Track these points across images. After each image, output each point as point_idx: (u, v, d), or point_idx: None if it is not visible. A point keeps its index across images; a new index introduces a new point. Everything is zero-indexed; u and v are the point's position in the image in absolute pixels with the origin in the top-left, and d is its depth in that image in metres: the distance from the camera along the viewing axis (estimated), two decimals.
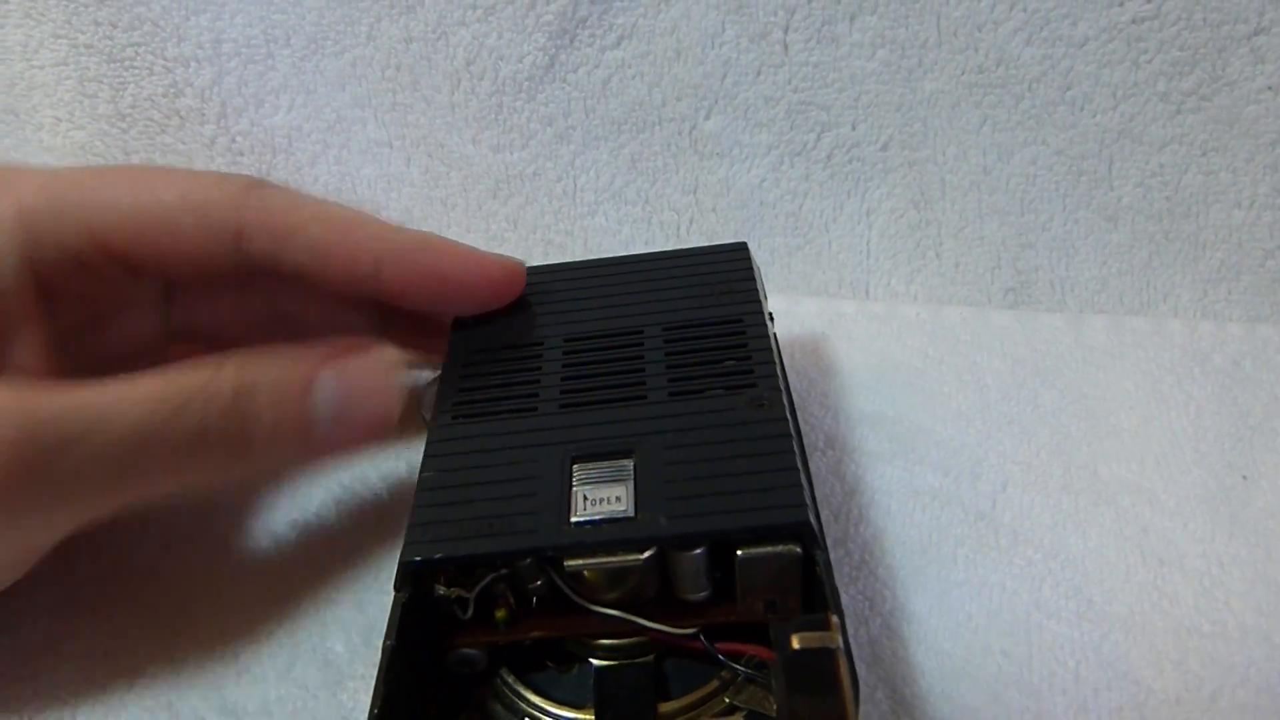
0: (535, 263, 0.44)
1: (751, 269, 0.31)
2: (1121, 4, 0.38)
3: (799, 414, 0.34)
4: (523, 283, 0.30)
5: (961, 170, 0.40)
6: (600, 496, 0.23)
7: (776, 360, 0.27)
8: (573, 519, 0.22)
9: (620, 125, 0.42)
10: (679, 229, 0.43)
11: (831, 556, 0.29)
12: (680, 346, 0.28)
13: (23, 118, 0.45)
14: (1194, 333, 0.37)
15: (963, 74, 0.40)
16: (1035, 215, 0.40)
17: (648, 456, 0.24)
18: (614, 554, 0.22)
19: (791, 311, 0.40)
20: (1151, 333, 0.37)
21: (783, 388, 0.26)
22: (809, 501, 0.22)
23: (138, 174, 0.29)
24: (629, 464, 0.23)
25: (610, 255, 0.34)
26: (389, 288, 0.28)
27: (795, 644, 0.20)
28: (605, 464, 0.24)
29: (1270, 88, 0.38)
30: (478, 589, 0.22)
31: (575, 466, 0.24)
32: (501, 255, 0.31)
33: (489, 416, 0.26)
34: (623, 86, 0.42)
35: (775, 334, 0.30)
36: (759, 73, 0.41)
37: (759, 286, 0.31)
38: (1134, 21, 0.38)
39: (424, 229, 0.43)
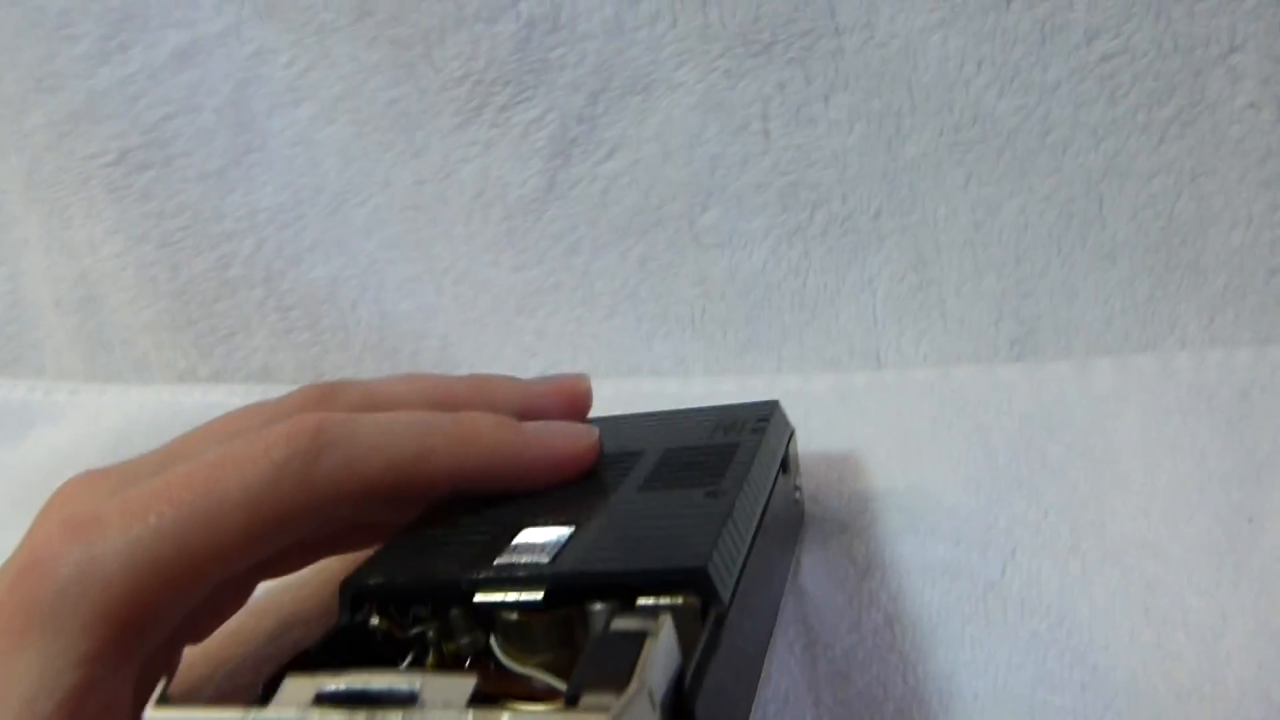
0: (567, 365, 0.47)
1: (770, 421, 0.32)
2: (1089, 43, 0.38)
3: (812, 502, 0.36)
4: (594, 459, 0.30)
5: (954, 229, 0.41)
6: (528, 546, 0.24)
7: (767, 477, 0.29)
8: (495, 562, 0.24)
9: (624, 231, 0.45)
10: (693, 320, 0.45)
11: (846, 643, 0.31)
12: (670, 459, 0.30)
13: (99, 303, 0.50)
14: (1201, 364, 0.36)
15: (941, 135, 0.40)
16: (1031, 263, 0.40)
17: (590, 525, 0.25)
18: (513, 590, 0.23)
19: (806, 390, 0.41)
20: (1158, 370, 0.37)
21: (759, 495, 0.27)
22: (720, 556, 0.22)
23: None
24: (569, 529, 0.25)
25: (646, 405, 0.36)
26: (465, 492, 0.29)
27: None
28: (548, 529, 0.25)
29: (1252, 105, 0.37)
30: (411, 631, 0.24)
31: (523, 530, 0.25)
32: (576, 435, 0.30)
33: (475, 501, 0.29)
34: (620, 194, 0.44)
35: (800, 498, 0.32)
36: (745, 162, 0.43)
37: (778, 440, 0.32)
38: (1104, 59, 0.38)
39: (463, 351, 0.46)
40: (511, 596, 0.23)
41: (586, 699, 0.17)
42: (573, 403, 0.32)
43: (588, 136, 0.44)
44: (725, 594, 0.22)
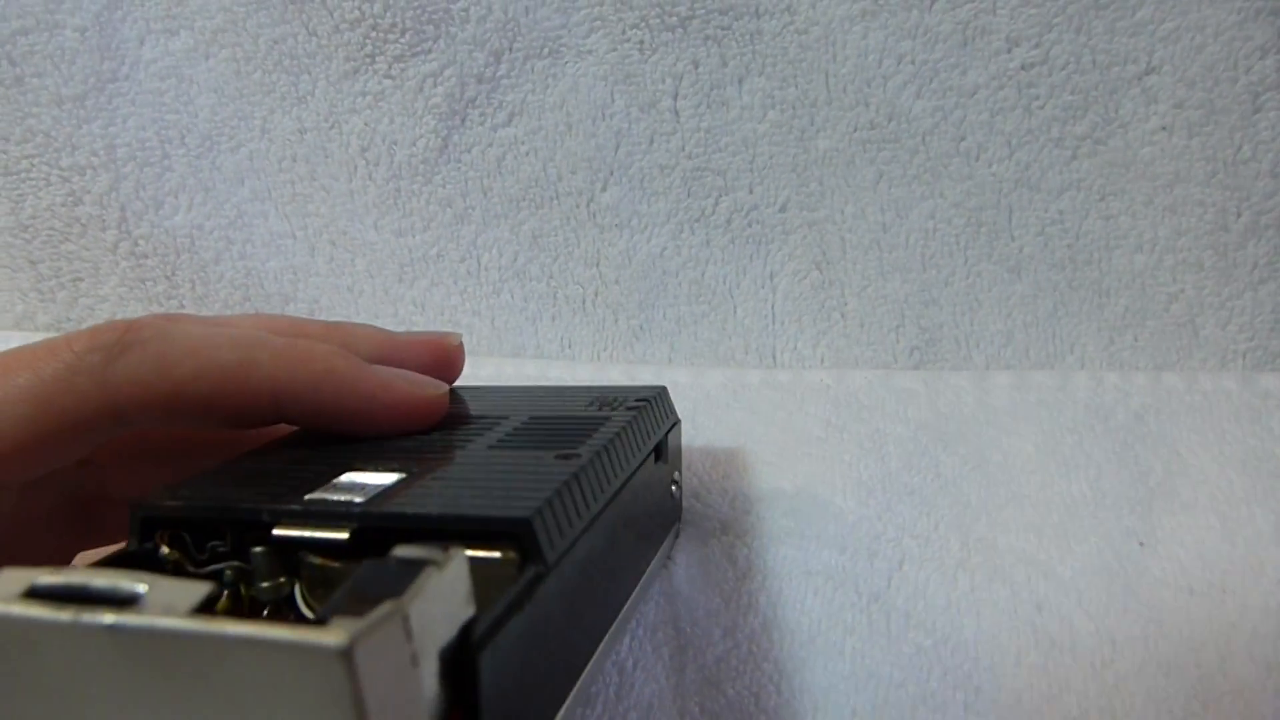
0: None
1: (649, 404, 0.29)
2: (1010, 50, 0.38)
3: (693, 498, 0.33)
4: (441, 412, 0.27)
5: (860, 228, 0.39)
6: (348, 485, 0.22)
7: (632, 455, 0.26)
8: (305, 497, 0.21)
9: (519, 202, 0.42)
10: (584, 303, 0.42)
11: (719, 649, 0.29)
12: (533, 425, 0.27)
13: None
14: (1099, 386, 0.36)
15: (855, 130, 0.39)
16: (937, 270, 0.39)
17: (422, 474, 0.22)
18: (318, 526, 0.20)
19: (697, 384, 0.39)
20: (1056, 389, 0.36)
21: (617, 469, 0.25)
22: (551, 514, 0.20)
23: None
24: (397, 476, 0.22)
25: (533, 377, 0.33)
26: (294, 420, 0.26)
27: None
28: (375, 473, 0.22)
29: (1164, 128, 0.37)
30: (207, 568, 0.21)
31: (350, 471, 0.22)
32: (422, 384, 0.27)
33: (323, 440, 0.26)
34: (517, 164, 0.41)
35: (678, 493, 0.30)
36: (652, 141, 0.40)
37: (655, 424, 0.29)
38: (1023, 68, 0.38)
39: (334, 318, 0.43)
40: (316, 534, 0.20)
41: (334, 620, 0.13)
42: (438, 359, 0.29)
43: (487, 98, 0.41)
44: (550, 554, 0.19)
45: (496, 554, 0.19)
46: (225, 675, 0.14)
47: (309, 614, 0.20)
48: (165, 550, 0.21)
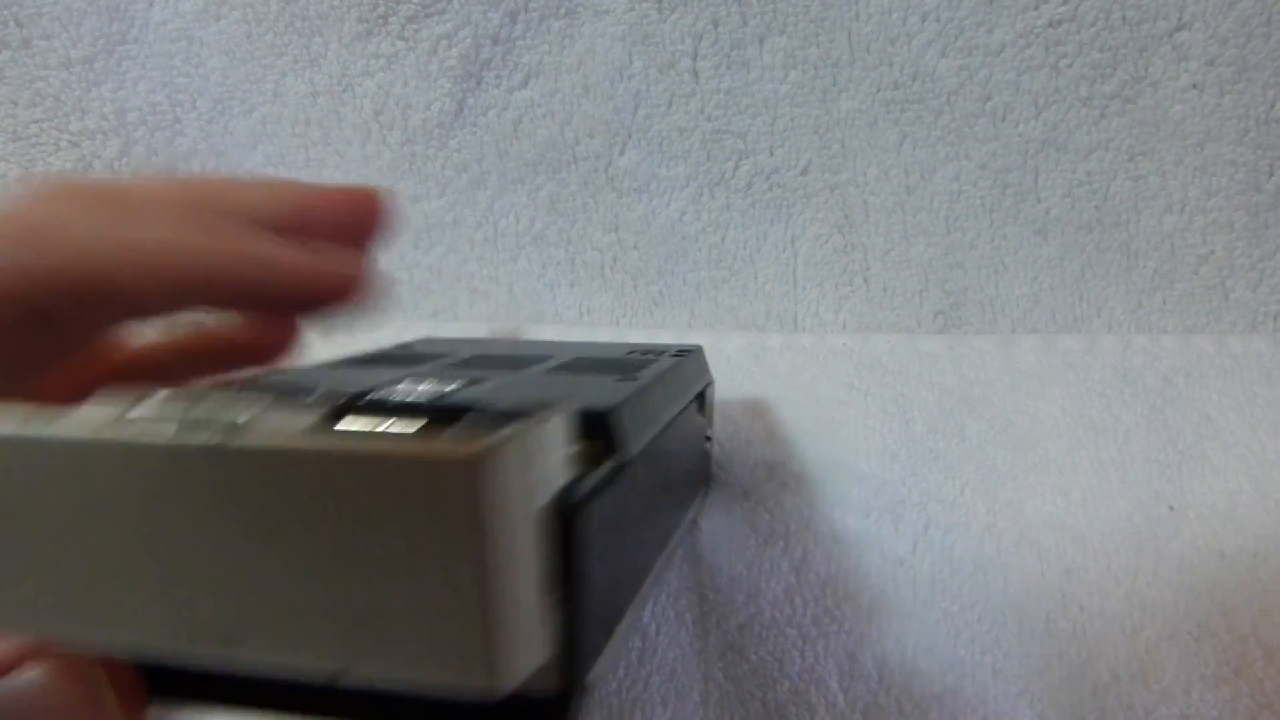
0: (464, 309, 0.44)
1: (690, 355, 0.29)
2: (1037, 7, 0.37)
3: (715, 464, 0.33)
4: (350, 295, 0.22)
5: (884, 191, 0.39)
6: (407, 391, 0.20)
7: (682, 393, 0.26)
8: (366, 395, 0.19)
9: (535, 167, 0.41)
10: (603, 269, 0.42)
11: (742, 615, 0.28)
12: (581, 362, 0.27)
13: None
14: (1127, 349, 0.35)
15: (878, 91, 0.38)
16: (962, 233, 0.38)
17: (484, 384, 0.22)
18: (385, 416, 0.18)
19: (717, 348, 0.39)
20: (1083, 352, 0.35)
21: (672, 399, 0.25)
22: (629, 413, 0.20)
23: None
24: (457, 383, 0.21)
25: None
26: (226, 307, 0.22)
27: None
28: (434, 383, 0.21)
29: (1195, 86, 0.36)
30: None
31: (406, 382, 0.21)
32: (338, 260, 0.22)
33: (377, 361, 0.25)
34: (534, 127, 0.41)
35: (711, 449, 0.30)
36: (670, 103, 0.40)
37: (696, 374, 0.29)
38: (1051, 24, 0.37)
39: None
40: (383, 426, 0.18)
41: (454, 431, 0.13)
42: (356, 217, 0.23)
43: (503, 59, 0.40)
44: (632, 447, 0.19)
45: (576, 446, 0.18)
46: (340, 496, 0.13)
47: None
48: None
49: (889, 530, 0.30)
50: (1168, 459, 0.31)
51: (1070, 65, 0.37)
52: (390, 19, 0.40)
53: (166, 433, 0.14)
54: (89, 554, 0.15)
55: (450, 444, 0.13)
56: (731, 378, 0.37)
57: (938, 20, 0.37)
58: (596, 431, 0.19)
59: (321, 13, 0.41)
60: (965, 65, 0.37)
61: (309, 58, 0.41)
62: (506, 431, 0.13)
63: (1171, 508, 0.29)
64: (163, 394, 0.16)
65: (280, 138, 0.43)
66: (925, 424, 0.34)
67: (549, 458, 0.15)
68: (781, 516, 0.31)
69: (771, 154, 0.39)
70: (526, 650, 0.14)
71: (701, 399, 0.29)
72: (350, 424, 0.17)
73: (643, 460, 0.21)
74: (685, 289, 0.41)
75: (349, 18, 0.41)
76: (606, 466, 0.18)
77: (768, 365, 0.37)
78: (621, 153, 0.40)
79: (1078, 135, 0.37)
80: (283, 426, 0.14)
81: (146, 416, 0.15)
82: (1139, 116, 0.36)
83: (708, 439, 0.31)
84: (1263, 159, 0.35)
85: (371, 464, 0.13)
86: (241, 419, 0.14)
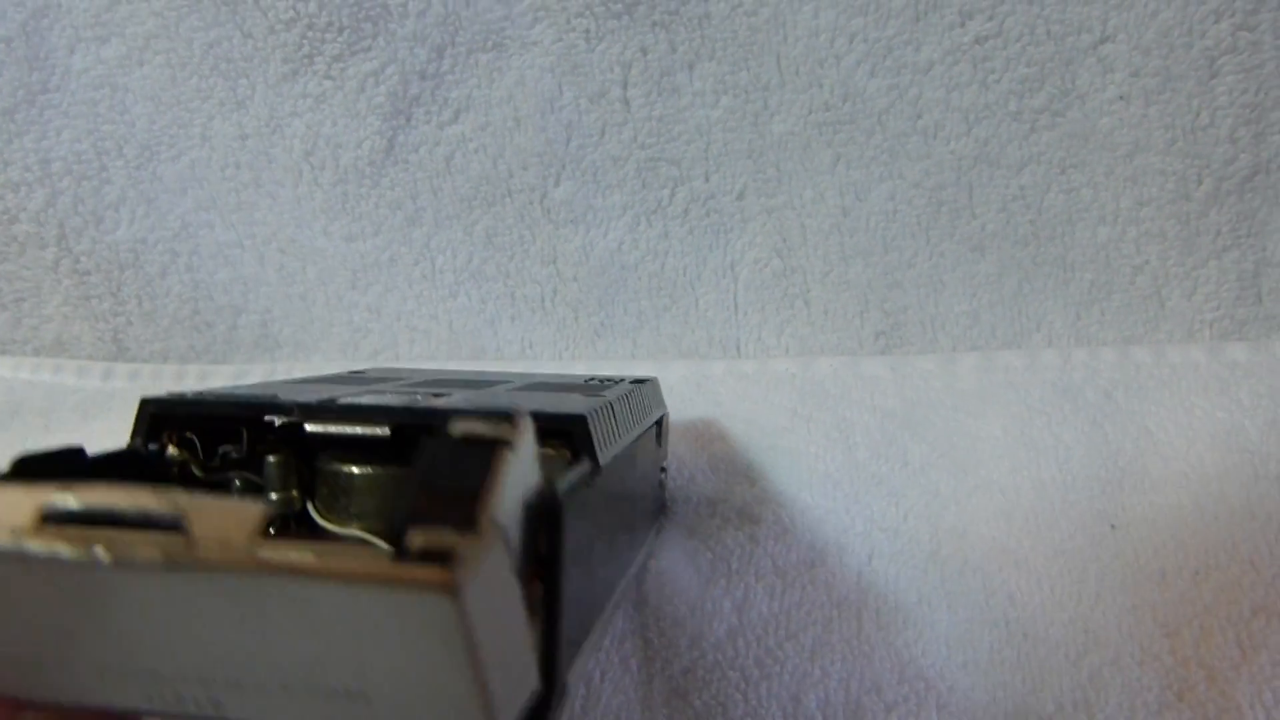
0: (404, 349, 0.43)
1: (646, 384, 0.30)
2: (963, 24, 0.37)
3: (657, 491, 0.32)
4: None
5: (820, 213, 0.38)
6: (380, 394, 0.21)
7: (642, 415, 0.26)
8: (340, 401, 0.20)
9: (470, 202, 0.41)
10: (543, 302, 0.41)
11: (685, 660, 0.28)
12: (541, 385, 0.27)
13: None
14: (1067, 363, 0.35)
15: (810, 113, 0.38)
16: (899, 253, 0.38)
17: (454, 395, 0.22)
18: (355, 421, 0.19)
19: (661, 377, 0.38)
20: (1024, 368, 0.35)
21: (635, 418, 0.25)
22: (599, 421, 0.20)
23: None
24: (429, 392, 0.21)
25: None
26: None
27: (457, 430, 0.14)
28: (414, 386, 0.22)
29: (1122, 97, 0.36)
30: (214, 471, 0.20)
31: (374, 394, 0.21)
32: None
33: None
34: (466, 162, 0.40)
35: (665, 482, 0.30)
36: (603, 133, 0.39)
37: (654, 402, 0.29)
38: (977, 41, 0.37)
39: (288, 329, 0.42)
40: (354, 429, 0.18)
41: (416, 536, 0.12)
42: None
43: (431, 95, 0.40)
44: (601, 455, 0.19)
45: (549, 450, 0.18)
46: (298, 611, 0.12)
47: (327, 524, 0.19)
48: (172, 451, 0.19)
49: (833, 563, 0.30)
50: (1109, 476, 0.31)
51: (998, 80, 0.37)
52: (316, 58, 0.40)
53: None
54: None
55: (424, 570, 0.12)
56: (675, 408, 0.37)
57: (865, 40, 0.37)
58: (567, 439, 0.19)
59: (246, 54, 0.40)
60: (895, 84, 0.37)
61: (236, 100, 0.41)
62: (481, 543, 0.12)
63: (1113, 526, 0.29)
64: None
65: (210, 182, 0.42)
66: (868, 449, 0.33)
67: (520, 485, 0.14)
68: (724, 554, 0.30)
69: (707, 179, 0.39)
70: (519, 692, 0.14)
71: (659, 428, 0.29)
72: (317, 427, 0.16)
73: (610, 473, 0.20)
74: (627, 318, 0.41)
75: (274, 59, 0.40)
76: (583, 467, 0.18)
77: (710, 394, 0.37)
78: (556, 184, 0.40)
79: (1009, 150, 0.37)
80: (224, 528, 0.13)
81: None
82: (1068, 129, 0.36)
83: (663, 470, 0.31)
84: (1190, 168, 0.35)
85: (336, 585, 0.12)
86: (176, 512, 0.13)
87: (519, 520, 0.14)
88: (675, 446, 0.34)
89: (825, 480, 0.33)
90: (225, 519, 0.13)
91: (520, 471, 0.14)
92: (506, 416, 0.14)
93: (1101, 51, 0.36)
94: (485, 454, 0.13)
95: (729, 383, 0.37)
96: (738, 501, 0.32)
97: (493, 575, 0.13)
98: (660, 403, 0.30)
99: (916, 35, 0.37)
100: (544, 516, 0.15)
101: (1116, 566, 0.28)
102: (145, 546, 0.12)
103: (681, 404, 0.37)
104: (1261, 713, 0.24)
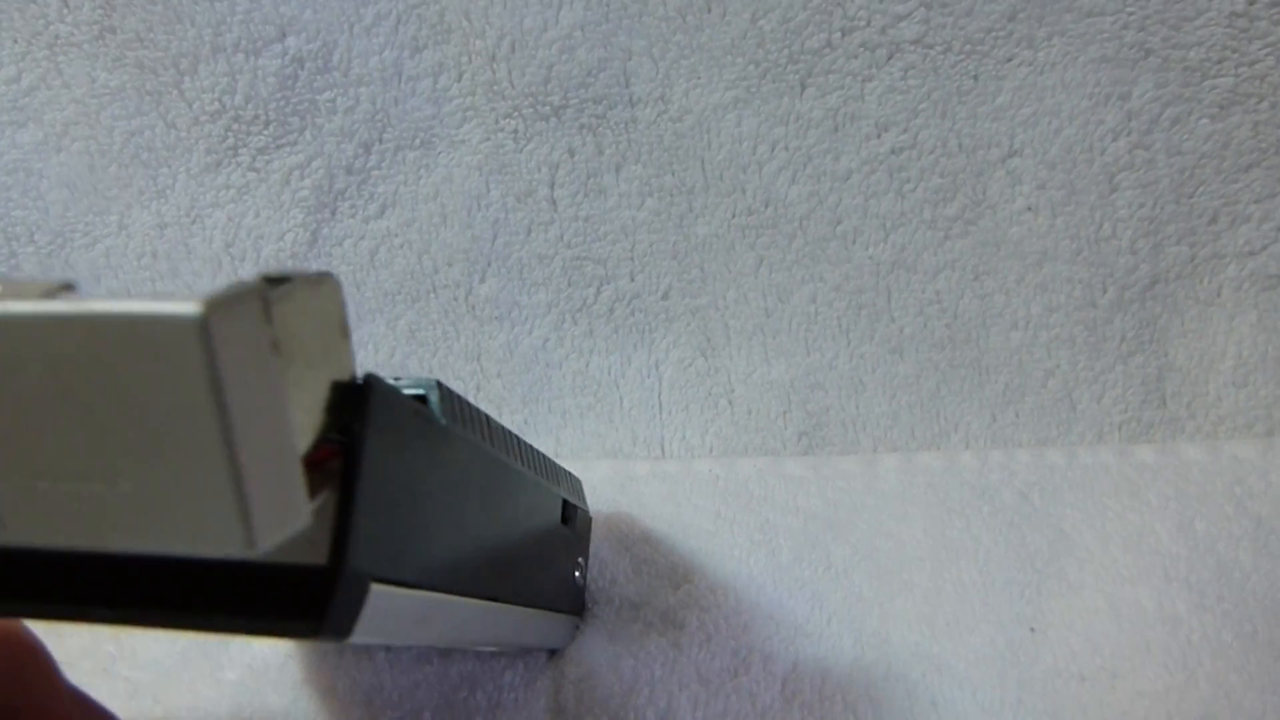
0: None
1: (567, 474, 0.31)
2: (879, 135, 0.38)
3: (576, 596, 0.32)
4: None
5: (744, 314, 0.39)
6: None
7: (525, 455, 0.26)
8: None
9: (394, 296, 0.40)
10: (466, 398, 0.41)
11: None
12: None
13: None
14: (984, 465, 0.36)
15: (733, 216, 0.39)
16: (821, 354, 0.39)
17: None
18: None
19: (584, 477, 0.38)
20: (942, 470, 0.36)
21: (519, 447, 0.25)
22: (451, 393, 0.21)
23: None
24: None
25: None
26: None
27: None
28: None
29: (1030, 208, 0.38)
30: None
31: None
32: None
33: None
34: (391, 256, 0.40)
35: (582, 580, 0.31)
36: (529, 231, 0.39)
37: (571, 487, 0.30)
38: (893, 151, 0.38)
39: None
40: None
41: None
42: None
43: (357, 190, 0.39)
44: (448, 417, 0.20)
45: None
46: (74, 358, 0.13)
47: None
48: None
49: (758, 670, 0.29)
50: (1027, 579, 0.31)
51: (914, 189, 0.38)
52: (240, 150, 0.39)
53: None
54: None
55: (176, 303, 0.12)
56: (598, 509, 0.36)
57: (786, 148, 0.38)
58: (422, 400, 0.19)
59: (169, 144, 0.40)
60: (815, 191, 0.38)
61: (156, 189, 0.40)
62: (241, 286, 0.13)
63: (1033, 629, 0.29)
64: None
65: (126, 270, 0.41)
66: (791, 552, 0.33)
67: (315, 321, 0.15)
68: (647, 660, 0.30)
69: (632, 279, 0.39)
70: (284, 513, 0.14)
71: (569, 509, 0.29)
72: None
73: (463, 447, 0.21)
74: (551, 417, 0.40)
75: (197, 149, 0.40)
76: (422, 408, 0.19)
77: (634, 494, 0.37)
78: (481, 280, 0.40)
79: (925, 256, 0.38)
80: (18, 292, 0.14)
81: None
82: (981, 238, 0.38)
83: (580, 560, 0.31)
84: (1095, 276, 0.37)
85: (104, 324, 0.13)
86: None
87: (320, 360, 0.15)
88: (598, 547, 0.34)
89: (749, 584, 0.32)
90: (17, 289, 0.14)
91: (319, 310, 0.15)
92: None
93: (1010, 165, 0.37)
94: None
95: (653, 483, 0.37)
96: (661, 605, 0.31)
97: (247, 331, 0.13)
98: (582, 498, 0.30)
99: (835, 145, 0.38)
100: (351, 390, 0.16)
101: (1037, 671, 0.28)
102: None
103: (606, 505, 0.36)
104: None
